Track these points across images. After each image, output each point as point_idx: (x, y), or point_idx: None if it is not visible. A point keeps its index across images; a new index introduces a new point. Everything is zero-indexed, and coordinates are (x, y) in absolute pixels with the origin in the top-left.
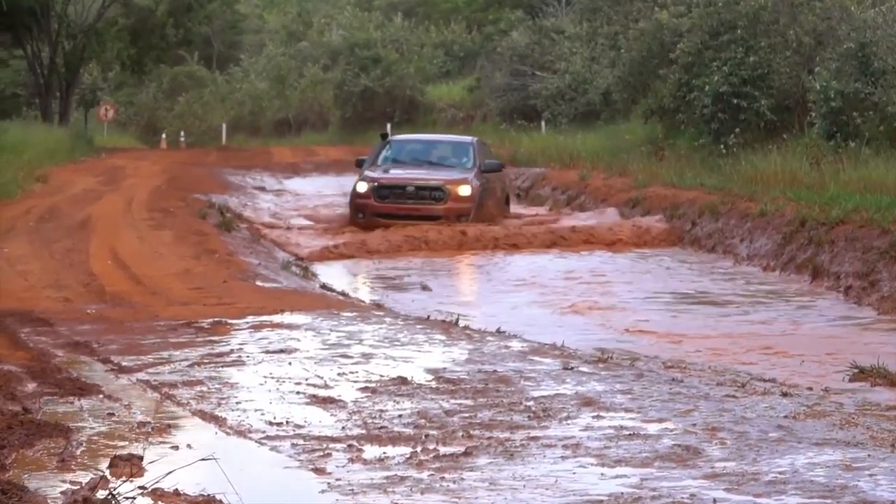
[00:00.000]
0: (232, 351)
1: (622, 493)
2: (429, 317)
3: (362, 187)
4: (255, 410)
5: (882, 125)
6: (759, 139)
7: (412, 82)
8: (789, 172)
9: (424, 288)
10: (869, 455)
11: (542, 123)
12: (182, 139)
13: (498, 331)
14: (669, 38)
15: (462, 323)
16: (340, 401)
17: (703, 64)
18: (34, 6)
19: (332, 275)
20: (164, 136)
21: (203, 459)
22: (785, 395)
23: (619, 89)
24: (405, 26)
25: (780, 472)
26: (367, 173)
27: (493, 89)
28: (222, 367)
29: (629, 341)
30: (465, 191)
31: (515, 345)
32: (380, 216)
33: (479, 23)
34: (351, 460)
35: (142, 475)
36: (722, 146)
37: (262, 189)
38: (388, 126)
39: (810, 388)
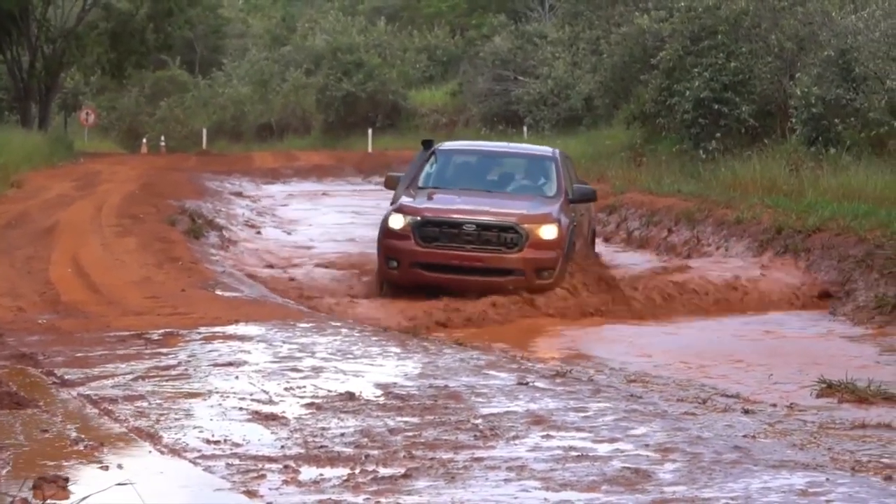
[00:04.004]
0: (179, 364)
1: None
2: (386, 328)
3: (397, 222)
4: (194, 428)
5: (863, 131)
6: (740, 145)
7: (395, 87)
8: (768, 179)
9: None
10: (828, 479)
11: (525, 129)
12: (163, 144)
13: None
14: (651, 43)
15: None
16: (283, 417)
17: (684, 69)
18: (14, 10)
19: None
20: (144, 140)
21: (119, 484)
22: (747, 412)
23: (600, 94)
24: (388, 31)
25: (732, 498)
26: (405, 201)
27: (476, 94)
28: (167, 381)
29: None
30: (549, 232)
31: (472, 358)
32: (424, 268)
33: (462, 27)
34: (285, 482)
35: (66, 497)
36: (702, 152)
37: (240, 194)
38: (370, 131)
39: (774, 405)
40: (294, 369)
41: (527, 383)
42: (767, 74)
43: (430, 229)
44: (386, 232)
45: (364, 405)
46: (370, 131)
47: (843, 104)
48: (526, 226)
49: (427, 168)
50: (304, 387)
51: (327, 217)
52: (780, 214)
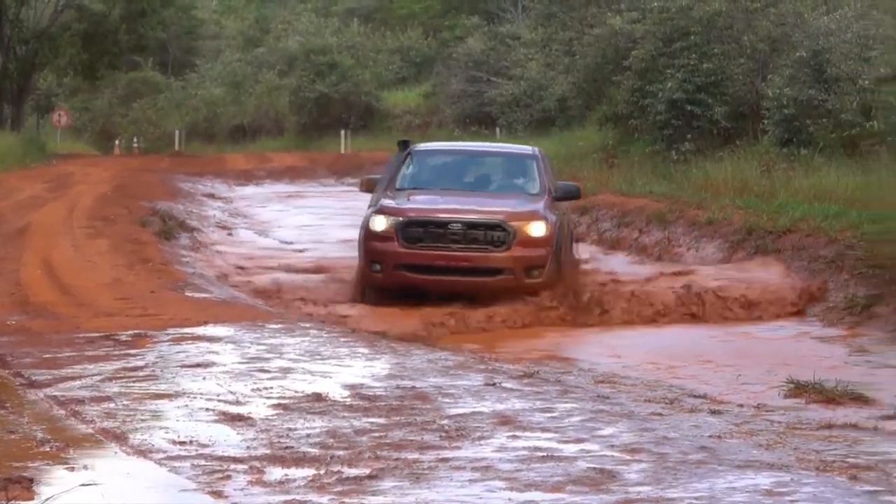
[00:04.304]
0: (147, 365)
1: None
2: (354, 329)
3: (379, 223)
4: (161, 429)
5: (835, 132)
6: (713, 146)
7: (368, 88)
8: (740, 180)
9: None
10: (793, 479)
11: (498, 130)
12: (136, 145)
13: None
14: (624, 44)
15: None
16: (250, 418)
17: (657, 70)
18: None
19: None
20: (117, 142)
21: (84, 485)
22: (714, 412)
23: (573, 96)
24: (362, 32)
25: (697, 498)
26: (385, 202)
27: (449, 96)
28: (135, 382)
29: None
30: (538, 230)
31: (441, 359)
32: (409, 270)
33: (436, 29)
34: (251, 483)
35: (31, 498)
36: (674, 153)
37: (212, 196)
38: (344, 133)
39: (742, 405)
40: (262, 370)
41: (495, 384)
42: (740, 76)
43: (414, 230)
44: (367, 234)
45: (331, 406)
46: (343, 133)
47: (816, 105)
48: (513, 223)
49: (404, 169)
50: (272, 388)
51: (300, 218)
52: (751, 215)
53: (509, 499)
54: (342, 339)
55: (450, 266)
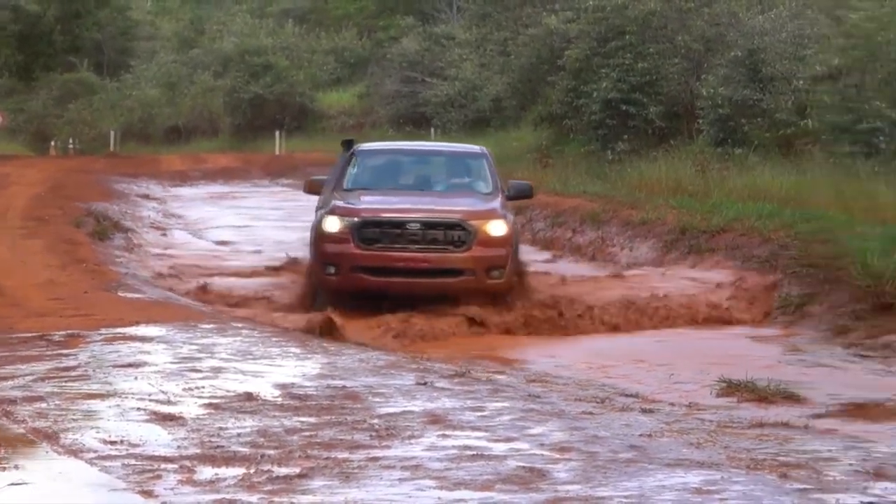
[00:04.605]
0: (80, 365)
1: None
2: (287, 328)
3: (332, 224)
4: (93, 428)
5: (770, 132)
6: (648, 146)
7: (303, 89)
8: (675, 180)
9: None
10: (723, 477)
11: (432, 131)
12: (71, 146)
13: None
14: (558, 44)
15: None
16: (181, 418)
17: (591, 70)
18: None
19: None
20: (53, 143)
21: (13, 484)
22: (645, 411)
23: (508, 96)
24: (296, 33)
25: (626, 496)
26: (337, 202)
27: (384, 96)
28: (67, 381)
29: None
30: (498, 229)
31: (372, 358)
32: (367, 272)
33: (371, 29)
34: (181, 482)
35: None
36: (609, 153)
37: (147, 197)
38: (278, 134)
39: (673, 404)
40: (194, 370)
41: (426, 383)
42: (675, 75)
43: (371, 230)
44: (320, 236)
45: (262, 405)
46: (278, 133)
47: (751, 105)
48: (473, 222)
49: (350, 169)
50: (203, 387)
51: (234, 219)
52: (685, 215)
53: (439, 497)
54: (274, 339)
55: (409, 268)
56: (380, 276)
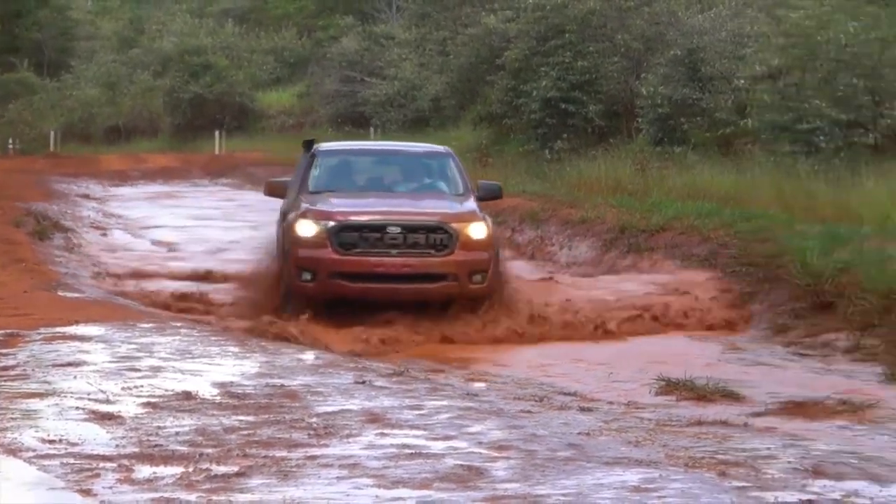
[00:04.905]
0: (18, 364)
1: None
2: (225, 328)
3: (307, 228)
4: (31, 427)
5: (709, 131)
6: (587, 145)
7: (242, 89)
8: (614, 178)
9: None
10: (661, 475)
11: (372, 130)
12: (11, 146)
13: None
14: (498, 43)
15: None
16: (120, 417)
17: (531, 69)
18: None
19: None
20: None
21: None
22: (584, 410)
23: (447, 95)
24: (236, 33)
25: (564, 494)
26: (309, 205)
27: (323, 96)
28: (6, 381)
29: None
30: (479, 231)
31: (310, 357)
32: (345, 278)
33: (310, 29)
34: (120, 481)
35: None
36: (548, 152)
37: (87, 197)
38: (218, 133)
39: (612, 403)
40: (133, 369)
41: (364, 382)
42: (615, 74)
43: (349, 234)
44: (294, 241)
45: (201, 404)
46: (218, 133)
47: (690, 104)
48: (454, 225)
49: (313, 171)
50: (142, 386)
51: (174, 219)
52: (624, 214)
53: (377, 496)
54: (213, 338)
55: (390, 273)
56: (359, 281)
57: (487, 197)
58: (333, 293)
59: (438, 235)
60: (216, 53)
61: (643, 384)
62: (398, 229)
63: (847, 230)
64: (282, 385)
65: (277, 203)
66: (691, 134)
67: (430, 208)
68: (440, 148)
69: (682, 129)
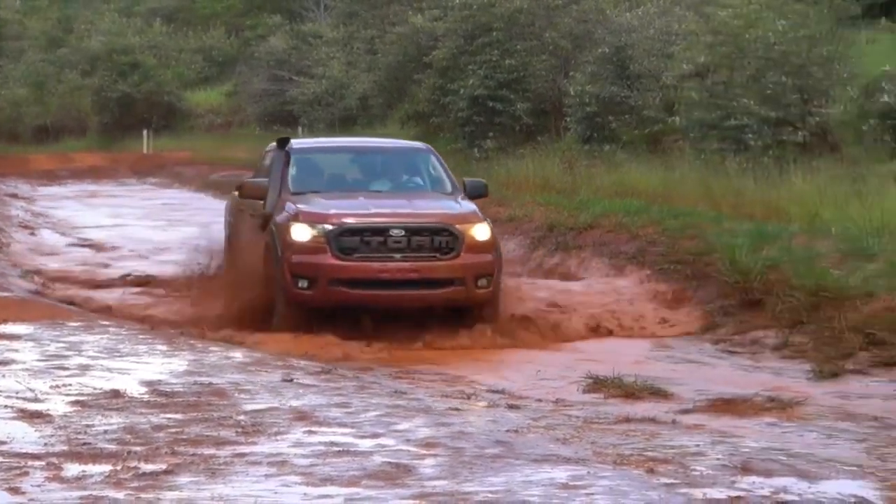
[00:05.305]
0: None
1: None
2: (152, 327)
3: (302, 233)
4: None
5: (638, 129)
6: (515, 143)
7: (170, 88)
8: (542, 177)
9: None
10: (589, 472)
11: (300, 129)
12: None
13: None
14: (425, 42)
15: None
16: (48, 415)
17: (458, 68)
18: None
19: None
20: None
21: None
22: (511, 407)
23: (375, 94)
24: (164, 32)
25: (493, 492)
26: (301, 207)
27: (251, 95)
28: None
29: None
30: (483, 233)
31: (238, 356)
32: (347, 285)
33: (238, 28)
34: (48, 479)
35: None
36: (476, 150)
37: (15, 196)
38: (146, 133)
39: (540, 401)
40: (61, 367)
41: (292, 380)
42: (543, 72)
43: (350, 238)
44: (288, 246)
45: (129, 402)
46: (146, 132)
47: (618, 102)
48: (459, 226)
49: (290, 170)
50: (71, 385)
51: (101, 218)
52: (552, 212)
53: (305, 493)
54: (141, 337)
55: (394, 279)
56: (362, 288)
57: (474, 195)
58: (334, 301)
59: (444, 238)
60: (144, 53)
61: (571, 382)
62: (402, 232)
63: (776, 228)
64: (210, 383)
65: (206, 202)
66: (619, 132)
67: (430, 209)
68: (419, 144)
69: (610, 127)
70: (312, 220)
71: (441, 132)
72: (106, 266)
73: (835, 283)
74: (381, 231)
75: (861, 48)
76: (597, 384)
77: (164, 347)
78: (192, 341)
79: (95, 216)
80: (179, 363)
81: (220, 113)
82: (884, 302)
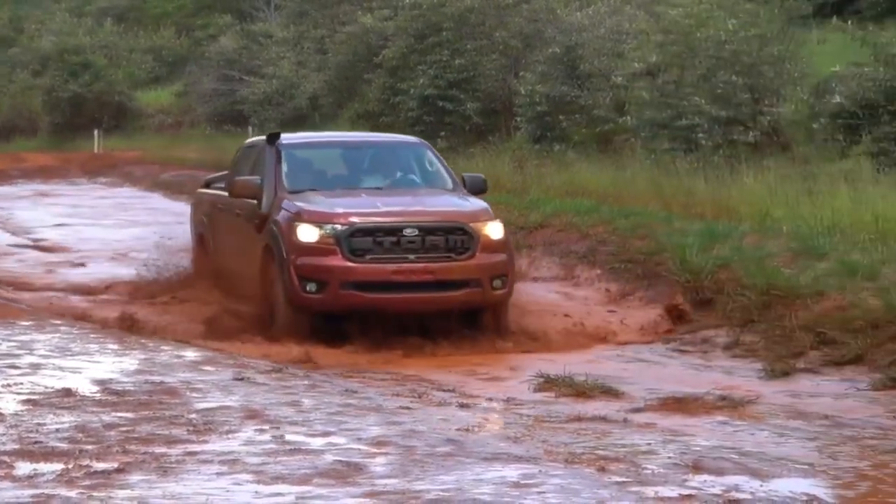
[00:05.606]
0: None
1: None
2: (104, 326)
3: (308, 233)
4: None
5: (588, 128)
6: (465, 143)
7: (121, 88)
8: (493, 176)
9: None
10: (541, 471)
11: (250, 129)
12: None
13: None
14: (375, 41)
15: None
16: (0, 414)
17: (408, 67)
18: None
19: None
20: None
21: None
22: (462, 406)
23: (325, 94)
24: (115, 32)
25: (444, 490)
26: (303, 206)
27: (201, 95)
28: None
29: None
30: (497, 231)
31: (189, 354)
32: (361, 288)
33: (189, 28)
34: (0, 477)
35: None
36: None
37: None
38: (97, 132)
39: (491, 399)
40: (12, 366)
41: (243, 379)
42: (493, 72)
43: (362, 239)
44: (293, 247)
45: (81, 401)
46: (97, 132)
47: (569, 101)
48: (473, 225)
49: (283, 167)
50: (22, 383)
51: (52, 217)
52: (502, 211)
53: (256, 491)
54: (92, 336)
55: (410, 281)
56: (375, 291)
57: (474, 191)
58: (346, 306)
59: (459, 237)
60: (95, 52)
61: (522, 380)
62: (415, 231)
63: (726, 227)
64: (161, 382)
65: (157, 201)
66: (570, 131)
67: (441, 206)
68: (412, 138)
69: (560, 126)
70: (318, 219)
71: (391, 131)
72: (51, 270)
73: (786, 282)
74: (395, 231)
75: (812, 48)
76: (548, 383)
77: (115, 346)
78: (143, 340)
79: (46, 215)
80: (131, 362)
81: (170, 113)
82: (834, 301)
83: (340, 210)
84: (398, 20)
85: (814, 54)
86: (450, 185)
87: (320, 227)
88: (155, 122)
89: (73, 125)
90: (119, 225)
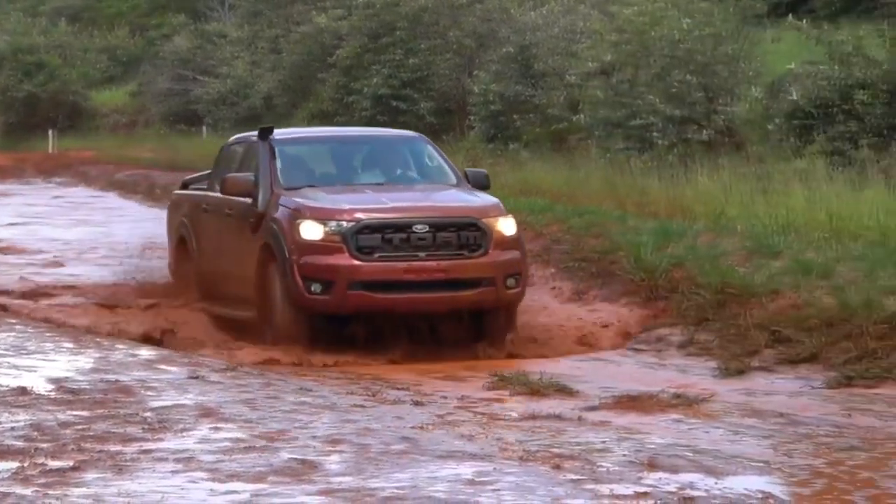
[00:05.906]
0: None
1: None
2: (60, 325)
3: (312, 230)
4: None
5: (542, 127)
6: None
7: (75, 88)
8: None
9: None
10: (495, 468)
11: (204, 129)
12: None
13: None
14: (329, 41)
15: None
16: None
17: (362, 67)
18: None
19: None
20: None
21: None
22: (417, 403)
23: (280, 93)
24: (69, 31)
25: (399, 488)
26: (307, 202)
27: (156, 94)
28: None
29: None
30: (509, 227)
31: (144, 353)
32: (370, 288)
33: (143, 27)
34: None
35: None
36: None
37: None
38: (52, 132)
39: (445, 397)
40: None
41: (198, 377)
42: (447, 71)
43: (370, 236)
44: (296, 245)
45: (36, 399)
46: (51, 132)
47: (523, 100)
48: (485, 220)
49: (277, 163)
50: None
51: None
52: None
53: (211, 489)
54: (47, 335)
55: (421, 280)
56: (384, 291)
57: (477, 186)
58: (353, 307)
59: (471, 233)
60: (49, 52)
61: (476, 378)
62: (426, 228)
63: (681, 226)
64: (116, 380)
65: (112, 200)
66: (524, 131)
67: (451, 201)
68: (410, 133)
69: (514, 125)
70: (321, 216)
71: None
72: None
73: (740, 280)
74: (404, 227)
75: (766, 46)
76: (502, 381)
77: (70, 345)
78: (98, 339)
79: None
80: (86, 360)
81: (124, 112)
82: (789, 299)
83: (345, 206)
84: (352, 20)
85: (768, 53)
86: (453, 180)
87: (324, 224)
88: (109, 122)
89: (28, 125)
90: (73, 224)
